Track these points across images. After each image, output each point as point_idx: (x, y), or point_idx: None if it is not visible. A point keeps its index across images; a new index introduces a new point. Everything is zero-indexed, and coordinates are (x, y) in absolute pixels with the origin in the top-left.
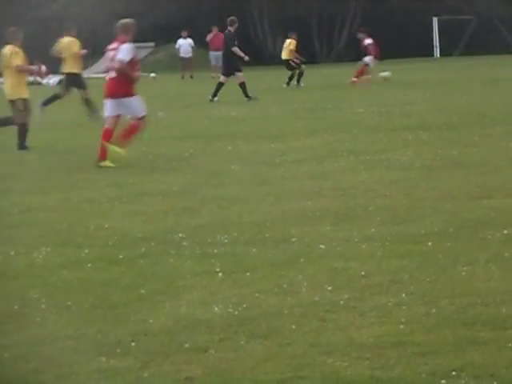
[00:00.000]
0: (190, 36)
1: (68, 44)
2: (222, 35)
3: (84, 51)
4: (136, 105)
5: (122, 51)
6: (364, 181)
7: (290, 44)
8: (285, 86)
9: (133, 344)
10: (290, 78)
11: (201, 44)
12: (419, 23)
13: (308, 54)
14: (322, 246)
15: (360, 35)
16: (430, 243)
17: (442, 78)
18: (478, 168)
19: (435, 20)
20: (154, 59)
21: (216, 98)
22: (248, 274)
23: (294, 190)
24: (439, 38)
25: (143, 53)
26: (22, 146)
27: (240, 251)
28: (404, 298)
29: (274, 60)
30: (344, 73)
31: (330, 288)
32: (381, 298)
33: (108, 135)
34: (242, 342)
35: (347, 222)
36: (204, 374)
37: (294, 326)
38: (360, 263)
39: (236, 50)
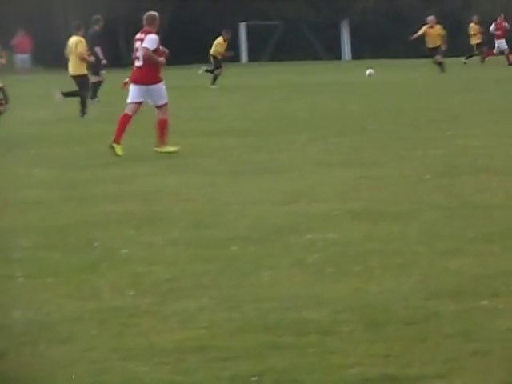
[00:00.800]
0: None
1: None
2: (28, 38)
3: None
4: (160, 92)
5: (148, 40)
6: (169, 185)
7: (218, 42)
8: (214, 86)
9: None
10: (215, 78)
11: (7, 47)
12: (227, 28)
13: (114, 58)
14: (125, 251)
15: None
16: (233, 248)
17: (249, 84)
18: (283, 173)
19: (242, 25)
20: None
21: (97, 99)
22: (49, 278)
23: (97, 194)
24: (247, 43)
25: None
26: None
27: (41, 256)
28: (207, 302)
29: None
30: None
31: (132, 293)
32: (183, 303)
33: (126, 120)
34: (42, 348)
35: (151, 226)
36: (2, 379)
37: (94, 331)
38: (163, 267)
39: (97, 49)
